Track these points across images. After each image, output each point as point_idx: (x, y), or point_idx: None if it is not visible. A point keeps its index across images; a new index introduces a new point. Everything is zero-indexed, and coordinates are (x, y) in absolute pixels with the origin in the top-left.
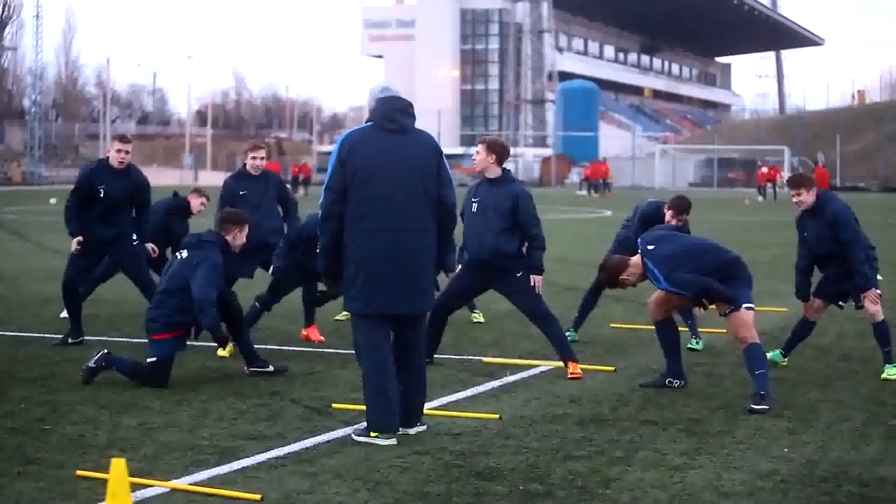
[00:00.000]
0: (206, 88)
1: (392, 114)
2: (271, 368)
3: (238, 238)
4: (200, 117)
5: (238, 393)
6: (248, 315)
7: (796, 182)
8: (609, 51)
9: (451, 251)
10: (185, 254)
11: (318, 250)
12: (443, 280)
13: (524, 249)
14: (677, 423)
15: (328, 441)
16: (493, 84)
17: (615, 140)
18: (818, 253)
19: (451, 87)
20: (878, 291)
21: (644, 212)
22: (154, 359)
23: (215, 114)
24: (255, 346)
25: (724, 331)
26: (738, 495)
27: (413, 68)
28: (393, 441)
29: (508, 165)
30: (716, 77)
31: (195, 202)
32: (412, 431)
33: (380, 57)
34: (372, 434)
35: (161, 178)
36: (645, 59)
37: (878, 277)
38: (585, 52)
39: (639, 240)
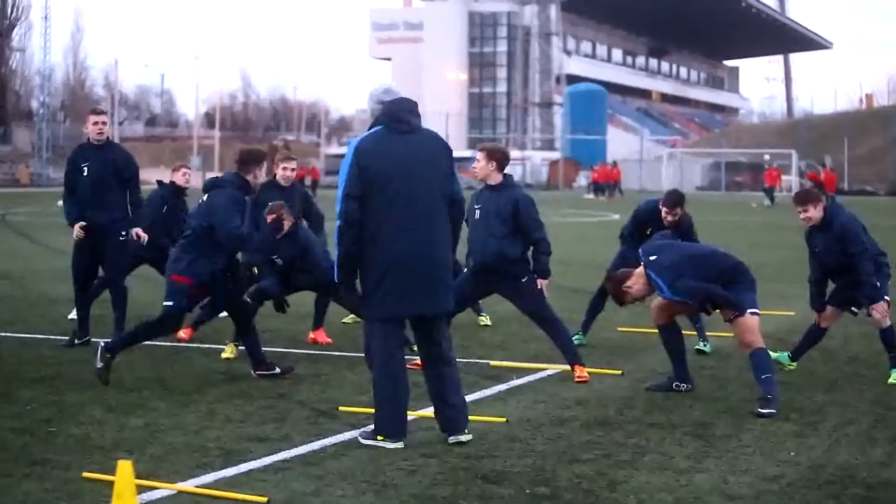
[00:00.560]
0: (213, 90)
1: (402, 115)
2: (278, 370)
3: (259, 175)
4: (208, 119)
5: (244, 395)
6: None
7: (802, 199)
8: (617, 54)
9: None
10: (205, 197)
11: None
12: None
13: (529, 254)
14: (683, 427)
15: (335, 444)
16: (501, 87)
17: (623, 143)
18: (829, 266)
19: (458, 89)
20: (888, 299)
21: (638, 209)
22: (170, 303)
23: (223, 115)
24: (264, 348)
25: (732, 334)
26: (744, 499)
27: (421, 71)
28: (400, 444)
29: (516, 169)
30: (723, 80)
31: (179, 177)
32: (463, 439)
33: (388, 59)
34: (379, 438)
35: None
36: (653, 62)
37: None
38: (593, 55)
39: (640, 251)
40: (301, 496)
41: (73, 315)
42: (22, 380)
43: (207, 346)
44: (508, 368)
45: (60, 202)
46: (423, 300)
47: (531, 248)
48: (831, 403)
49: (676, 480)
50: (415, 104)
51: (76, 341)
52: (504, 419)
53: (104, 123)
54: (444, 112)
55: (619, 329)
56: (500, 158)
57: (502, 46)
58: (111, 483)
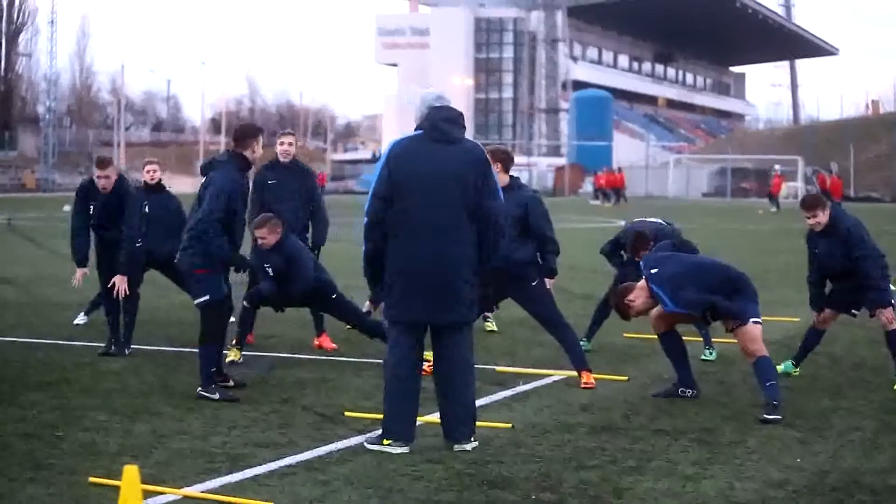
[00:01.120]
0: (219, 95)
1: (439, 124)
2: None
3: (257, 150)
4: (214, 124)
5: (250, 400)
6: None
7: (811, 204)
8: (623, 60)
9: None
10: (203, 180)
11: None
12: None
13: (538, 257)
14: (689, 433)
15: (340, 449)
16: (507, 93)
17: (629, 149)
18: (830, 269)
19: (465, 95)
20: (894, 303)
21: (619, 236)
22: (206, 297)
23: (229, 121)
24: (267, 353)
25: (736, 340)
26: None
27: (427, 76)
28: (405, 449)
29: (522, 174)
30: (730, 86)
31: (145, 174)
32: (468, 447)
33: (394, 65)
34: (385, 442)
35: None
36: (659, 68)
37: (892, 288)
38: (599, 62)
39: (641, 263)
40: (306, 501)
41: (78, 320)
42: (27, 384)
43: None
44: (514, 374)
45: (67, 207)
46: (432, 309)
47: (539, 250)
48: (836, 409)
49: (682, 486)
50: (458, 114)
51: (112, 348)
52: (510, 425)
53: (108, 177)
54: None
55: (625, 335)
56: (503, 159)
57: (508, 52)
58: (117, 488)
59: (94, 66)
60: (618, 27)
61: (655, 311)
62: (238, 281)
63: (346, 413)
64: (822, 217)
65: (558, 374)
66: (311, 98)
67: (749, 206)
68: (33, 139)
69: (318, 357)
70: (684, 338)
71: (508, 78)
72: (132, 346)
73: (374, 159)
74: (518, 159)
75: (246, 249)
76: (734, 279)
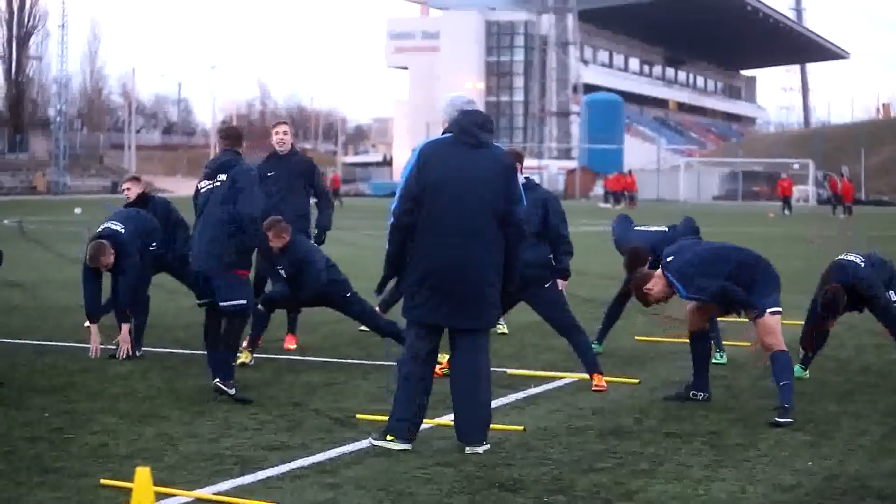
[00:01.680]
0: (230, 99)
1: (471, 128)
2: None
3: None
4: None
5: (259, 403)
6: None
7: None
8: (634, 63)
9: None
10: (223, 178)
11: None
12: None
13: (551, 258)
14: (699, 436)
15: (350, 452)
16: (518, 96)
17: (640, 153)
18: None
19: (475, 98)
20: None
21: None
22: (243, 301)
23: (240, 124)
24: (276, 356)
25: (747, 343)
26: None
27: (437, 80)
28: (407, 447)
29: (534, 177)
30: (740, 90)
31: (130, 192)
32: (479, 450)
33: (404, 68)
34: (388, 437)
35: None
36: (670, 71)
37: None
38: (610, 65)
39: (663, 253)
40: None
41: (87, 323)
42: (34, 388)
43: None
44: (525, 377)
45: (77, 209)
46: (454, 313)
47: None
48: (844, 414)
49: (693, 490)
50: (488, 119)
51: (138, 354)
52: (521, 428)
53: (112, 255)
54: None
55: (636, 338)
56: (520, 160)
57: (519, 56)
58: (128, 490)
59: (104, 69)
60: (629, 30)
61: (690, 306)
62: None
63: (358, 416)
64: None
65: (569, 377)
66: (321, 101)
67: (760, 210)
68: (44, 142)
69: (327, 360)
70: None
71: (519, 81)
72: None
73: (386, 162)
74: (529, 162)
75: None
76: (752, 266)
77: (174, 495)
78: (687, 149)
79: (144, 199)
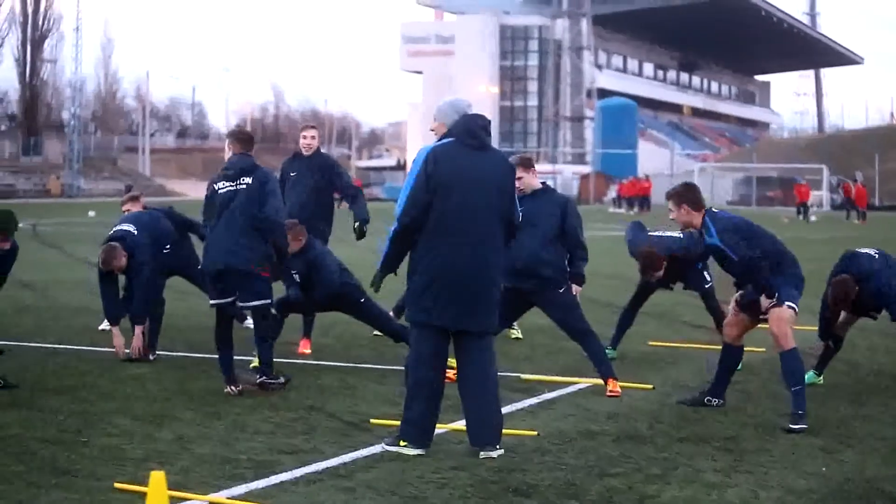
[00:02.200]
0: (244, 102)
1: (476, 131)
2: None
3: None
4: None
5: (273, 406)
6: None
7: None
8: (648, 68)
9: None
10: (249, 180)
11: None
12: None
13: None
14: (713, 441)
15: (365, 456)
16: (532, 101)
17: (654, 157)
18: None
19: (490, 103)
20: None
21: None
22: (268, 300)
23: (254, 128)
24: (287, 360)
25: (761, 349)
26: None
27: (452, 84)
28: (421, 452)
29: (548, 182)
30: (754, 95)
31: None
32: (493, 454)
33: (419, 72)
34: (401, 443)
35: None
36: (684, 76)
37: None
38: (624, 70)
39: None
40: None
41: (102, 326)
42: (48, 390)
43: (236, 357)
44: (539, 382)
45: (91, 212)
46: (460, 314)
47: (569, 256)
48: (858, 417)
49: (707, 494)
50: (488, 122)
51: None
52: (535, 432)
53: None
54: None
55: (650, 343)
56: (533, 164)
57: (533, 60)
58: (143, 494)
59: (118, 72)
60: (643, 35)
61: (729, 318)
62: None
63: (372, 421)
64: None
65: (583, 382)
66: (335, 105)
67: (774, 215)
68: (58, 145)
69: (341, 364)
70: (708, 346)
71: (533, 86)
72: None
73: (400, 166)
74: (543, 167)
75: None
76: (782, 254)
77: (188, 499)
78: (701, 154)
79: None
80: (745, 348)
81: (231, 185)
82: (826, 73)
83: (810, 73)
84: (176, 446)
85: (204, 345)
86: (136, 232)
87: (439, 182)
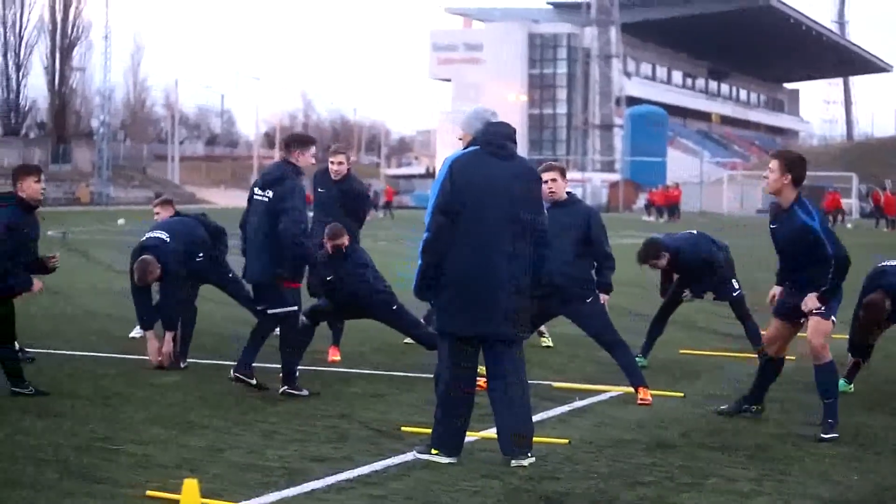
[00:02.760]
0: (273, 110)
1: (500, 139)
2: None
3: (303, 159)
4: (268, 139)
5: (305, 415)
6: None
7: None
8: (677, 76)
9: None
10: (269, 194)
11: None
12: None
13: (593, 273)
14: (745, 450)
15: (397, 464)
16: (561, 108)
17: (683, 165)
18: None
19: (519, 111)
20: None
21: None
22: (289, 308)
23: (283, 136)
24: (317, 368)
25: (790, 357)
26: None
27: (480, 92)
28: (453, 460)
29: (577, 190)
30: (783, 103)
31: (159, 217)
32: (525, 462)
33: (447, 80)
34: (433, 451)
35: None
36: (713, 84)
37: None
38: (653, 78)
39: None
40: None
41: (134, 333)
42: (78, 398)
43: (266, 365)
44: (570, 390)
45: (121, 220)
46: (484, 322)
47: (596, 266)
48: (891, 427)
49: (738, 503)
50: (513, 131)
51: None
52: (566, 441)
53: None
54: None
55: (680, 351)
56: (564, 173)
57: (562, 68)
58: (175, 501)
59: (147, 80)
60: (672, 43)
61: (770, 333)
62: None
63: (403, 428)
64: None
65: (614, 391)
66: (364, 113)
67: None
68: (87, 153)
69: (372, 372)
70: (738, 354)
71: (562, 94)
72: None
73: (429, 174)
74: (572, 175)
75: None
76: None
77: None
78: (730, 162)
79: None
80: None
81: (261, 195)
82: (855, 80)
83: (839, 81)
84: (207, 454)
85: (236, 353)
86: (168, 240)
87: (460, 191)
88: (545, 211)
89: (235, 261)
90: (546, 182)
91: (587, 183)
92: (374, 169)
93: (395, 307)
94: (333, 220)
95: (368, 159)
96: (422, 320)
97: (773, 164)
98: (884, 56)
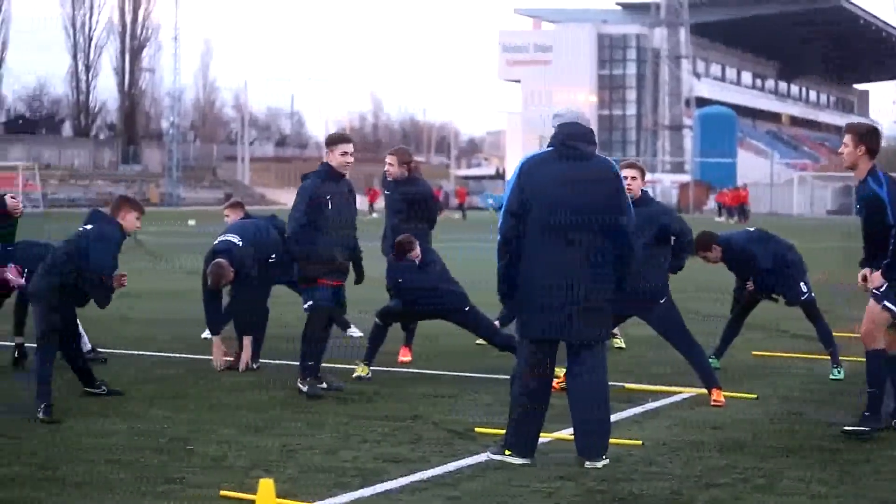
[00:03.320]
0: (343, 111)
1: (571, 140)
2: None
3: (332, 157)
4: None
5: (379, 416)
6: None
7: None
8: (746, 77)
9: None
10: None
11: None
12: None
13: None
14: (818, 452)
15: (471, 465)
16: (631, 109)
17: (753, 166)
18: None
19: (588, 111)
20: None
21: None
22: (312, 303)
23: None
24: (389, 368)
25: (863, 360)
26: None
27: (550, 93)
28: (526, 461)
29: (647, 191)
30: (853, 104)
31: (229, 220)
32: (599, 464)
33: (517, 81)
34: (506, 452)
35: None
36: (782, 85)
37: None
38: (723, 78)
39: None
40: None
41: (205, 335)
42: (152, 399)
43: (340, 366)
44: (643, 391)
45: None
46: (561, 326)
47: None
48: None
49: None
50: (588, 131)
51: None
52: (640, 442)
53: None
54: None
55: (753, 353)
56: (643, 171)
57: (632, 69)
58: (249, 501)
59: (217, 82)
60: (741, 44)
61: (868, 325)
62: None
63: (477, 429)
64: None
65: (687, 392)
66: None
67: None
68: (157, 154)
69: (445, 373)
70: (811, 356)
71: (632, 94)
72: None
73: (499, 175)
74: None
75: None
76: None
77: None
78: (800, 162)
79: None
80: (849, 358)
81: None
82: None
83: None
84: (282, 454)
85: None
86: (240, 243)
87: (531, 193)
88: (629, 211)
89: None
90: (625, 179)
91: (657, 184)
92: (444, 170)
93: (467, 308)
94: (399, 222)
95: (438, 160)
96: (496, 322)
97: (847, 137)
98: None
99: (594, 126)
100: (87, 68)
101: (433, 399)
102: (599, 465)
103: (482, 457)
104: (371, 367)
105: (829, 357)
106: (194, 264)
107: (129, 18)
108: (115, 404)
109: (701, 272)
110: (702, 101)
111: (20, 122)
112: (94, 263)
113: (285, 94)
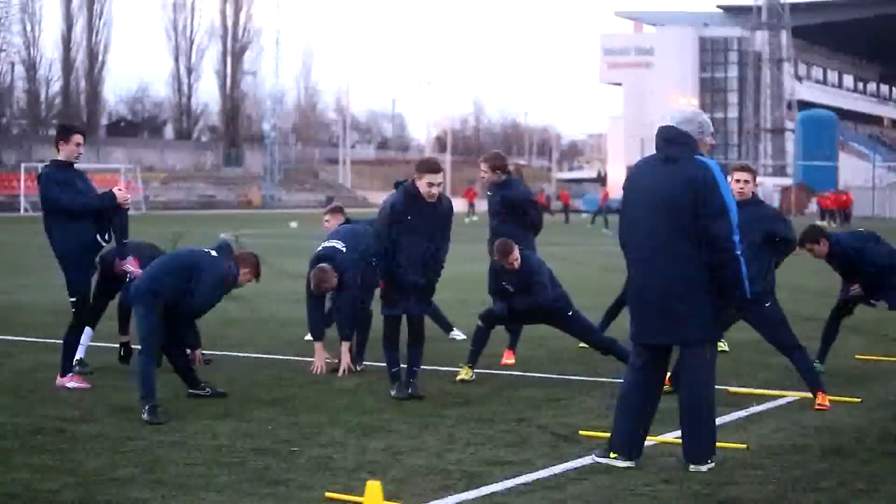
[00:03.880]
0: (444, 115)
1: (658, 143)
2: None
3: (420, 185)
4: (439, 143)
5: (483, 419)
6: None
7: None
8: (848, 80)
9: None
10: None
11: None
12: None
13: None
14: None
15: (575, 468)
16: (732, 112)
17: (854, 170)
18: None
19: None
20: None
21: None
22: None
23: (454, 140)
24: (492, 370)
25: None
26: None
27: (651, 96)
28: (630, 464)
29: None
30: None
31: (329, 225)
32: (704, 468)
33: (618, 84)
34: (611, 455)
35: None
36: (884, 88)
37: None
38: (824, 82)
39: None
40: None
41: (309, 337)
42: (258, 401)
43: (444, 368)
44: (747, 395)
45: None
46: (651, 329)
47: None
48: None
49: None
50: (677, 133)
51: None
52: (744, 446)
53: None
54: None
55: (856, 357)
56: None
57: (733, 72)
58: (355, 503)
59: (318, 84)
60: (843, 46)
61: None
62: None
63: (581, 432)
64: None
65: (791, 395)
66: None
67: None
68: (258, 156)
69: (548, 376)
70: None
71: (733, 98)
72: (364, 363)
73: (600, 178)
74: None
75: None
76: None
77: None
78: None
79: None
80: None
81: None
82: None
83: None
84: (387, 457)
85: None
86: (344, 249)
87: (624, 198)
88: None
89: None
90: (738, 182)
91: (759, 187)
92: (546, 173)
93: (570, 313)
94: (498, 223)
95: (539, 163)
96: (597, 325)
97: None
98: None
99: None
100: (189, 71)
101: (536, 402)
102: (704, 468)
103: (587, 459)
104: (475, 370)
105: None
106: (295, 267)
107: (230, 21)
108: (221, 406)
109: (801, 274)
110: (803, 105)
111: (122, 125)
112: (198, 301)
113: (387, 96)
